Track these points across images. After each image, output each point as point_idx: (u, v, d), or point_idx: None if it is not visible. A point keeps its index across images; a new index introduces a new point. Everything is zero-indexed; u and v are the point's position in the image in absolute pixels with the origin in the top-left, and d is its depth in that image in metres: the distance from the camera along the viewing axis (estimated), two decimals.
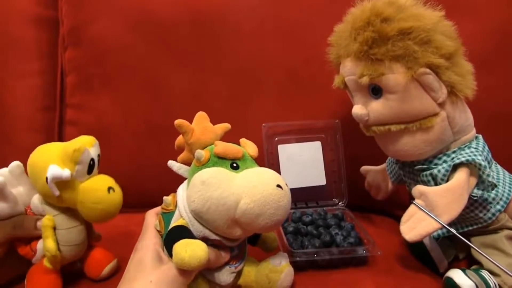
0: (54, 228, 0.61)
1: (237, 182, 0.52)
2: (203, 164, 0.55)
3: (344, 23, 0.68)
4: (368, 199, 0.89)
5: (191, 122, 0.63)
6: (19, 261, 0.63)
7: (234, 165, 0.55)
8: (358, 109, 0.66)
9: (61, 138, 0.99)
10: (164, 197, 0.63)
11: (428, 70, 0.59)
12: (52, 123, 1.00)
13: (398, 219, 0.88)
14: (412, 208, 0.63)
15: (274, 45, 0.92)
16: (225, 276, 0.57)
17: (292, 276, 0.60)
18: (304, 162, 0.88)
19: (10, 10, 0.96)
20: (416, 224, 0.61)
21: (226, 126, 0.64)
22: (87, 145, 0.59)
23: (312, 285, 0.65)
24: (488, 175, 0.63)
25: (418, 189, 0.63)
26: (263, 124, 0.88)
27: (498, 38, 0.83)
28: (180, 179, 0.61)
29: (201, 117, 0.64)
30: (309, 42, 0.92)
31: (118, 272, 0.69)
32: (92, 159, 0.60)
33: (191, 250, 0.48)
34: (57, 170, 0.56)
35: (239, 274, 0.59)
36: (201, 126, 0.62)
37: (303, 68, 0.92)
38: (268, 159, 0.87)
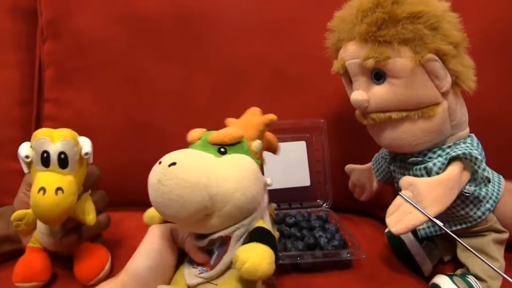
0: None
1: None
2: None
3: (346, 7, 0.66)
4: (353, 200, 0.88)
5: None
6: None
7: None
8: (358, 95, 0.64)
9: None
10: None
11: (435, 57, 0.58)
12: (29, 118, 0.97)
13: (383, 220, 0.88)
14: (398, 200, 0.60)
15: (260, 42, 0.91)
16: (188, 276, 0.54)
17: None
18: (288, 162, 0.86)
19: None
20: (402, 217, 0.58)
21: (266, 118, 0.62)
22: (52, 136, 0.56)
23: None
24: (484, 170, 0.61)
25: (406, 179, 0.61)
26: None
27: (488, 38, 0.82)
28: None
29: (249, 112, 0.65)
30: (295, 40, 0.91)
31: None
32: (46, 152, 0.55)
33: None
34: (24, 146, 0.56)
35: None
36: (241, 120, 0.63)
37: (288, 66, 0.90)
38: None
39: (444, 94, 0.61)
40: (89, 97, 0.92)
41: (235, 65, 0.91)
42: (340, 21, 0.67)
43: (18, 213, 0.60)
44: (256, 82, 0.91)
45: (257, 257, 0.47)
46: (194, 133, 0.56)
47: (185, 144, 0.57)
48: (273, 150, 0.71)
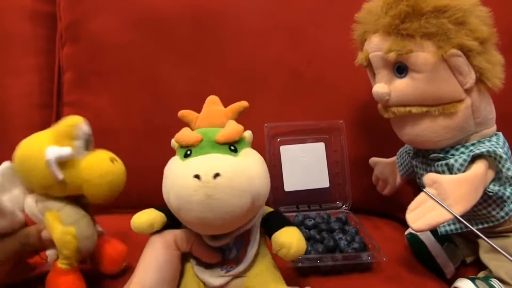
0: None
1: (170, 173, 0.50)
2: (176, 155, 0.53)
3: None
4: (372, 201, 0.87)
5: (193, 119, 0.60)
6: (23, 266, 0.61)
7: (188, 152, 0.50)
8: (379, 88, 0.63)
9: None
10: None
11: (459, 52, 0.57)
12: (49, 121, 0.97)
13: (403, 222, 0.87)
14: (421, 196, 0.58)
15: (277, 43, 0.91)
16: (213, 278, 0.53)
17: None
18: (307, 164, 0.86)
19: (6, 5, 0.94)
20: (425, 213, 0.56)
21: (239, 105, 0.59)
22: (79, 121, 0.57)
23: None
24: (508, 169, 0.59)
25: (430, 177, 0.59)
26: (265, 124, 0.86)
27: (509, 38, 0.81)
28: None
29: (209, 101, 0.60)
30: (313, 41, 0.90)
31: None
32: (89, 134, 0.59)
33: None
34: (57, 149, 0.53)
35: (238, 282, 0.54)
36: (207, 111, 0.59)
37: (306, 68, 0.90)
38: (270, 160, 0.85)
39: (468, 91, 0.60)
40: (107, 100, 0.93)
41: (253, 68, 0.91)
42: (366, 13, 0.66)
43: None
44: (274, 84, 0.91)
45: (298, 239, 0.52)
46: (190, 135, 0.52)
47: None
48: None
